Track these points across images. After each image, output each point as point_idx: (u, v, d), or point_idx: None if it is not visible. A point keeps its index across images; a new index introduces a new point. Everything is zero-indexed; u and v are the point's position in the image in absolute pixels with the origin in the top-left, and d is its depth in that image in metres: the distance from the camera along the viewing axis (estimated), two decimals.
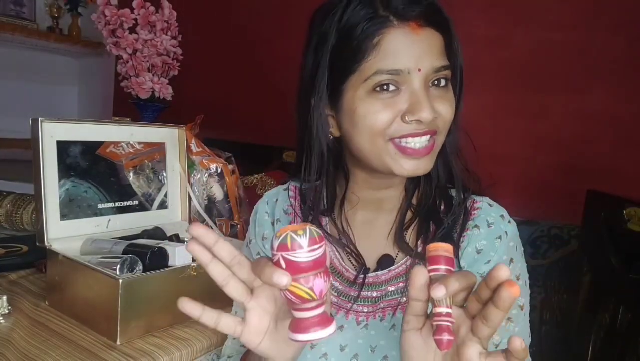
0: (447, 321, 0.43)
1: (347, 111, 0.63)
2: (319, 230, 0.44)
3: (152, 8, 1.57)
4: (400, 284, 0.66)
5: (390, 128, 0.60)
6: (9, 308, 0.87)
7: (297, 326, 0.46)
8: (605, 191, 1.15)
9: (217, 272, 0.47)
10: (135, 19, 1.56)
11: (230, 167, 1.26)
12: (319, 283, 0.44)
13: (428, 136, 0.61)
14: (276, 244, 0.44)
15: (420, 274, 0.45)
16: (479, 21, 1.56)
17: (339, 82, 0.63)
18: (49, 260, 0.91)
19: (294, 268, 0.43)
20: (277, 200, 0.76)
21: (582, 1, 1.43)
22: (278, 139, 1.88)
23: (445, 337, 0.42)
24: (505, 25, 1.54)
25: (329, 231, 0.70)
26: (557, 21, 1.47)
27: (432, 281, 0.44)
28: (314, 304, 0.45)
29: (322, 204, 0.71)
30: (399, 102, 0.60)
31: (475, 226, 0.67)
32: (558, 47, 1.46)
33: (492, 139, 1.54)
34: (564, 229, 1.32)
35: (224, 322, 0.48)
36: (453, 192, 0.70)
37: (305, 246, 0.43)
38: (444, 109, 0.62)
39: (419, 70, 0.59)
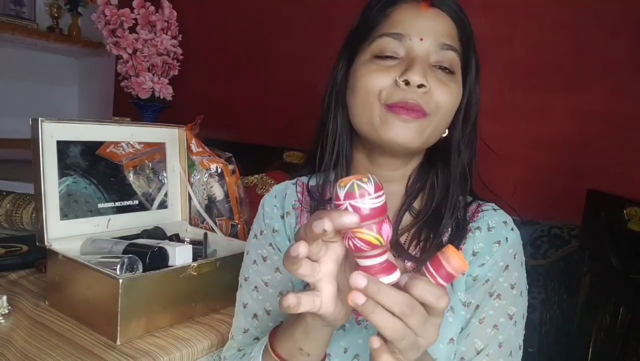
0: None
1: (352, 77, 0.66)
2: (375, 181, 0.44)
3: (152, 8, 1.58)
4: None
5: (384, 91, 0.61)
6: (9, 308, 0.86)
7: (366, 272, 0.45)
8: (605, 191, 1.15)
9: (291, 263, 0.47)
10: (135, 19, 1.56)
11: (230, 167, 1.26)
12: (385, 229, 0.44)
13: (416, 114, 0.61)
14: (342, 193, 0.43)
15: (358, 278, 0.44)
16: (479, 21, 1.55)
17: (353, 55, 0.66)
18: (49, 260, 0.91)
19: (362, 215, 0.43)
20: (286, 195, 0.77)
21: (582, 1, 1.43)
22: (278, 139, 1.88)
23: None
24: (505, 25, 1.54)
25: None
26: (557, 21, 1.47)
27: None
28: (379, 250, 0.44)
29: (328, 193, 0.71)
30: (396, 69, 0.61)
31: (477, 228, 0.67)
32: (558, 47, 1.46)
33: (492, 139, 1.53)
34: (564, 229, 1.32)
35: (304, 302, 0.47)
36: (468, 199, 0.69)
37: (372, 193, 0.43)
38: (440, 91, 0.61)
39: (421, 39, 0.61)
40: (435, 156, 0.69)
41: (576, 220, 1.23)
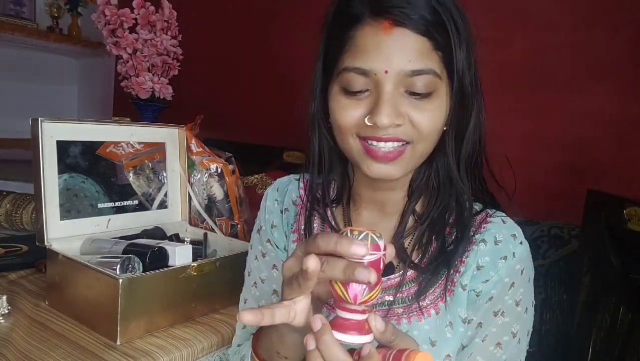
0: None
1: (329, 106, 0.63)
2: (377, 239, 0.43)
3: (152, 8, 1.57)
4: (399, 295, 0.64)
5: (355, 128, 0.59)
6: (9, 308, 0.87)
7: (336, 323, 0.46)
8: (605, 191, 1.15)
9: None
10: (135, 19, 1.56)
11: (230, 167, 1.26)
12: (354, 288, 0.43)
13: (395, 143, 0.58)
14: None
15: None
16: (479, 21, 1.55)
17: (328, 73, 0.63)
18: (49, 260, 0.91)
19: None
20: (288, 189, 0.76)
21: (582, 1, 1.43)
22: (278, 139, 1.88)
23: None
24: (505, 26, 1.53)
25: (335, 226, 0.70)
26: (557, 21, 1.47)
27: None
28: (351, 307, 0.45)
29: (328, 198, 0.70)
30: (366, 103, 0.58)
31: (482, 240, 0.63)
32: (558, 47, 1.46)
33: (492, 139, 1.53)
34: (564, 229, 1.32)
35: (278, 315, 0.47)
36: (477, 206, 0.66)
37: (382, 249, 0.44)
38: (421, 118, 0.57)
39: (386, 72, 0.56)
40: (434, 153, 0.65)
41: (576, 220, 1.23)
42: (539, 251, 1.33)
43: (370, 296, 0.44)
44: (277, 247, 0.74)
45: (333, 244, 0.43)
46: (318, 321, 0.45)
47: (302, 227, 0.71)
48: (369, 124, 0.57)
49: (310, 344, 0.45)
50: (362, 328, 0.45)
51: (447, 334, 0.62)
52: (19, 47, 2.55)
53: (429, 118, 0.58)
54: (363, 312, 0.45)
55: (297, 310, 0.48)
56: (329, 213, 0.70)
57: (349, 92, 0.59)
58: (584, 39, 1.43)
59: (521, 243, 0.64)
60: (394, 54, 0.55)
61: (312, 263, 0.43)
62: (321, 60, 0.64)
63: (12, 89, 2.54)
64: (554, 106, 1.48)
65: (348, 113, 0.59)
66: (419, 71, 0.56)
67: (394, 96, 0.56)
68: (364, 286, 0.43)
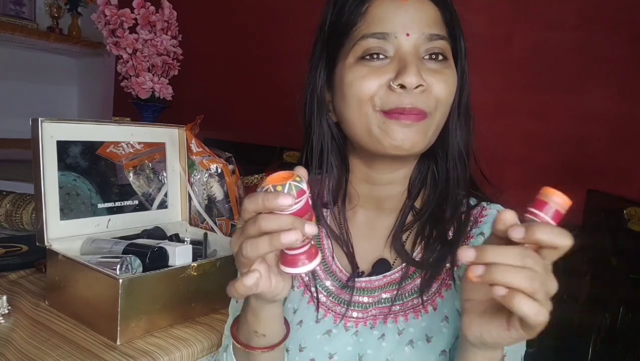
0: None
1: (338, 83, 0.62)
2: (299, 185, 0.45)
3: (152, 8, 1.57)
4: (395, 292, 0.63)
5: (377, 97, 0.58)
6: (9, 308, 0.86)
7: (286, 260, 0.48)
8: (605, 191, 1.15)
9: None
10: (135, 19, 1.56)
11: (230, 167, 1.26)
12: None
13: (417, 117, 0.58)
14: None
15: (507, 216, 0.43)
16: (479, 21, 1.55)
17: (333, 57, 0.63)
18: (49, 260, 0.91)
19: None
20: None
21: (582, 1, 1.43)
22: (278, 139, 1.88)
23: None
24: (505, 25, 1.53)
25: (330, 225, 0.69)
26: (557, 21, 1.47)
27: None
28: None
29: (325, 197, 0.69)
30: (388, 70, 0.58)
31: (481, 233, 0.64)
32: (558, 46, 1.46)
33: (492, 138, 1.53)
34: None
35: (249, 284, 0.49)
36: (472, 201, 0.66)
37: (306, 191, 0.46)
38: (437, 84, 0.59)
39: (407, 35, 0.57)
40: (432, 148, 0.65)
41: (576, 220, 1.23)
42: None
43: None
44: None
45: (261, 202, 0.45)
46: (466, 251, 0.42)
47: None
48: (394, 86, 0.57)
49: (478, 270, 0.41)
50: (316, 251, 0.49)
51: (443, 329, 0.62)
52: (19, 47, 2.54)
53: (446, 84, 0.59)
54: (305, 245, 0.48)
55: (263, 276, 0.50)
56: (324, 214, 0.70)
57: (368, 60, 0.58)
58: (584, 38, 1.42)
59: None
60: (414, 18, 0.58)
61: (235, 246, 0.48)
62: (324, 49, 0.64)
63: (12, 89, 2.54)
64: (554, 106, 1.48)
65: (369, 81, 0.58)
66: (437, 35, 0.58)
67: (416, 59, 0.58)
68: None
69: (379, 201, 0.69)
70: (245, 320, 0.58)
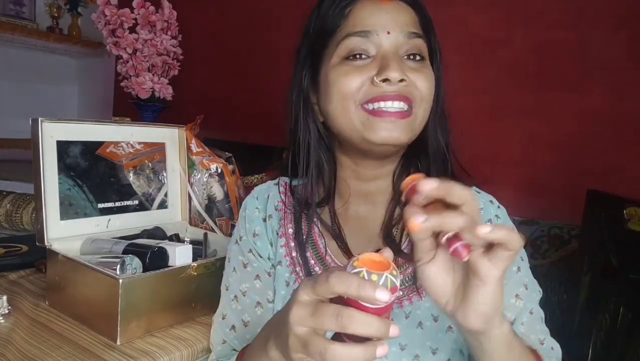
0: (456, 238, 0.42)
1: (323, 83, 0.65)
2: (395, 280, 0.40)
3: (152, 8, 1.58)
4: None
5: (360, 92, 0.61)
6: (9, 308, 0.86)
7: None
8: (605, 191, 1.15)
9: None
10: (135, 19, 1.56)
11: (230, 167, 1.26)
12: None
13: (401, 102, 0.60)
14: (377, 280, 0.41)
15: (414, 217, 0.42)
16: (479, 21, 1.56)
17: (318, 59, 0.65)
18: (49, 260, 0.91)
19: (361, 308, 0.40)
20: (268, 196, 0.76)
21: (582, 1, 1.43)
22: (278, 139, 1.87)
23: (459, 245, 0.41)
24: (505, 25, 1.54)
25: (324, 222, 0.70)
26: (557, 21, 1.47)
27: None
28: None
29: (316, 197, 0.70)
30: (370, 68, 0.61)
31: None
32: (558, 47, 1.46)
33: (492, 138, 1.54)
34: (564, 229, 1.32)
35: None
36: None
37: (398, 289, 0.41)
38: (420, 81, 0.62)
39: (388, 33, 0.61)
40: (414, 144, 0.68)
41: (576, 220, 1.23)
42: (539, 251, 1.33)
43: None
44: (261, 256, 0.72)
45: (355, 290, 0.38)
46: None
47: (290, 230, 0.71)
48: (377, 80, 0.60)
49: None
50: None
51: None
52: (19, 47, 2.55)
53: (427, 79, 0.63)
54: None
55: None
56: (315, 213, 0.71)
57: (352, 60, 0.62)
58: (584, 38, 1.43)
59: (499, 207, 0.69)
60: (394, 18, 0.61)
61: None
62: (309, 51, 0.67)
63: (12, 89, 2.54)
64: (554, 106, 1.48)
65: (352, 78, 0.61)
66: (416, 33, 0.62)
67: (397, 57, 0.61)
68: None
69: (369, 196, 0.71)
70: None
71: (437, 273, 0.47)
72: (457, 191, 0.42)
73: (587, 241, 1.16)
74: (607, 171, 1.37)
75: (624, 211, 1.03)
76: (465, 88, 1.49)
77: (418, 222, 0.41)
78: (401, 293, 0.42)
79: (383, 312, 0.39)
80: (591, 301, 1.11)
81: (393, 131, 0.60)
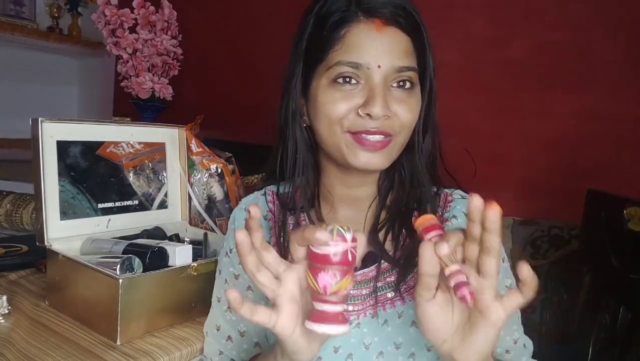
0: (462, 277, 0.44)
1: (312, 99, 0.66)
2: (344, 230, 0.45)
3: (152, 8, 1.58)
4: (388, 279, 0.66)
5: (346, 120, 0.63)
6: (9, 308, 0.86)
7: (312, 315, 0.47)
8: (605, 191, 1.15)
9: (251, 261, 0.48)
10: (135, 19, 1.56)
11: (230, 167, 1.26)
12: (323, 277, 0.45)
13: (382, 135, 0.63)
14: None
15: (428, 249, 0.46)
16: (479, 21, 1.56)
17: (310, 70, 0.66)
18: (49, 260, 0.91)
19: (310, 257, 0.46)
20: None
21: (582, 1, 1.43)
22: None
23: (467, 291, 0.43)
24: (505, 25, 1.54)
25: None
26: (557, 21, 1.47)
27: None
28: (323, 298, 0.46)
29: (302, 202, 0.71)
30: (357, 95, 0.62)
31: (453, 216, 0.69)
32: (558, 47, 1.46)
33: (492, 139, 1.54)
34: (564, 229, 1.32)
35: (260, 313, 0.48)
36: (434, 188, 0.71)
37: (349, 241, 0.45)
38: (402, 112, 0.63)
39: (379, 67, 0.61)
40: (398, 158, 0.69)
41: (576, 220, 1.23)
42: (539, 251, 1.33)
43: (340, 287, 0.45)
44: None
45: (300, 232, 0.46)
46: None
47: (281, 239, 0.71)
48: (362, 114, 0.61)
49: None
50: (336, 318, 0.46)
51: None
52: (19, 47, 2.54)
53: (410, 110, 0.64)
54: (336, 303, 0.46)
55: (280, 316, 0.48)
56: (303, 217, 0.72)
57: (340, 86, 0.62)
58: (584, 38, 1.43)
59: None
60: (386, 50, 0.61)
61: (240, 235, 0.46)
62: (301, 59, 0.67)
63: (12, 89, 2.54)
64: (554, 106, 1.48)
65: (339, 105, 0.62)
66: (406, 67, 0.63)
67: (384, 89, 0.62)
68: (333, 275, 0.45)
69: (355, 201, 0.72)
70: None
71: (438, 312, 0.48)
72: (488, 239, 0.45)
73: (587, 241, 1.16)
74: (607, 171, 1.37)
75: (624, 211, 1.03)
76: (465, 88, 1.49)
77: (444, 253, 0.45)
78: (354, 245, 0.45)
79: (345, 264, 0.45)
80: (591, 301, 1.11)
81: (372, 158, 0.63)
